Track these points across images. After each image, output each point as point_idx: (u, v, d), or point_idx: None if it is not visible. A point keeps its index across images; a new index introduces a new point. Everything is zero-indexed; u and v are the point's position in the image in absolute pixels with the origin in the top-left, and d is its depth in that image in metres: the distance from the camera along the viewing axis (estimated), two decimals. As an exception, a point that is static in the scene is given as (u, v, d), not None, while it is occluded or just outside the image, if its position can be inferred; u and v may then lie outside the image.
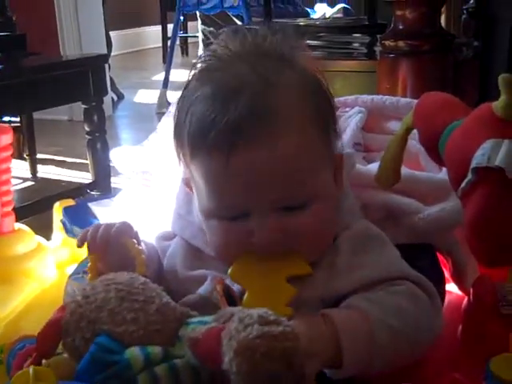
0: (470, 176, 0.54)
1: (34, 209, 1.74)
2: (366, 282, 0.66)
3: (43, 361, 0.60)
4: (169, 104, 3.37)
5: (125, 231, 0.72)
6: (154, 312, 0.59)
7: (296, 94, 0.67)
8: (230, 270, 0.67)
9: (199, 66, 0.71)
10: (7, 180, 0.99)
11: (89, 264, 0.72)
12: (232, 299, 0.63)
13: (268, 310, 0.54)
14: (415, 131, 0.72)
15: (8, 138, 0.97)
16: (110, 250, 0.71)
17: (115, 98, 3.74)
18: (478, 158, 0.53)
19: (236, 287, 0.67)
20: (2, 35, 2.12)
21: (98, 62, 1.89)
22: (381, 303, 0.64)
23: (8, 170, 0.99)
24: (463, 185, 0.55)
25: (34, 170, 2.44)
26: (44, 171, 2.49)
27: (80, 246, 0.73)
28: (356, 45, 2.18)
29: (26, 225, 1.07)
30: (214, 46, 0.71)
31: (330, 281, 0.67)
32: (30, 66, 1.87)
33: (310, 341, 0.57)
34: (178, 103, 0.71)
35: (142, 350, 0.56)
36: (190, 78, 0.72)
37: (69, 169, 2.50)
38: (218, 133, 0.64)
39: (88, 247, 0.72)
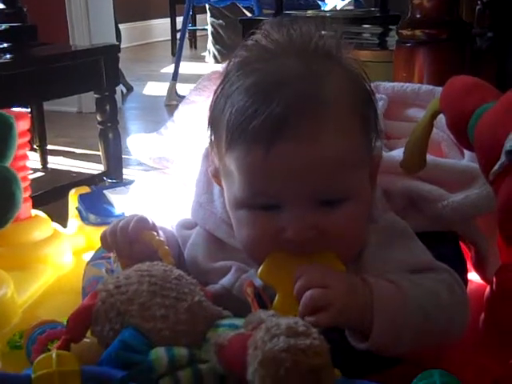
0: (503, 159, 0.54)
1: (45, 199, 1.74)
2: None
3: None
4: (178, 96, 3.38)
5: (142, 226, 0.71)
6: (184, 310, 0.57)
7: (342, 92, 0.66)
8: (259, 270, 0.65)
9: (241, 54, 0.69)
10: (24, 166, 0.99)
11: (115, 264, 0.71)
12: (262, 301, 0.61)
13: (299, 320, 0.51)
14: (436, 119, 0.72)
15: (25, 124, 0.97)
16: (133, 247, 0.70)
17: (124, 91, 3.73)
18: (513, 140, 0.53)
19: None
20: (13, 26, 2.12)
21: (111, 52, 1.88)
22: (420, 285, 0.64)
23: (25, 157, 0.99)
24: (496, 167, 0.54)
25: (44, 161, 2.44)
26: (54, 162, 2.49)
27: (107, 249, 0.73)
28: (367, 35, 2.17)
29: (38, 215, 1.07)
30: (257, 35, 0.69)
31: (356, 273, 0.66)
32: (42, 56, 1.87)
33: (343, 291, 0.59)
34: (216, 92, 0.69)
35: (168, 352, 0.54)
36: (230, 66, 0.70)
37: (79, 160, 2.50)
38: (259, 124, 0.62)
39: (111, 248, 0.72)
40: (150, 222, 0.72)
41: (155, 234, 0.71)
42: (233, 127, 0.64)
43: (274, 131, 0.62)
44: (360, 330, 0.61)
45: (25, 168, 1.00)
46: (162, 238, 0.71)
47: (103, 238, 0.72)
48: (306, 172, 0.62)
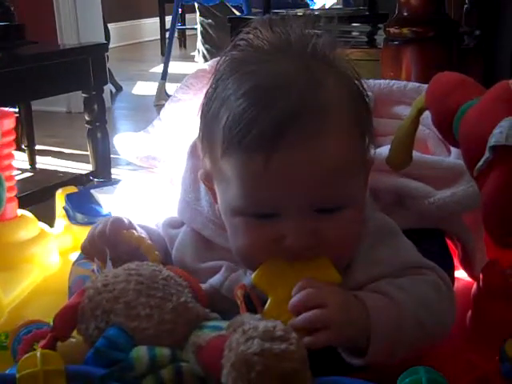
0: (487, 154, 0.54)
1: (32, 199, 1.73)
2: (383, 275, 0.66)
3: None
4: (167, 96, 3.36)
5: (118, 227, 0.70)
6: (169, 310, 0.57)
7: (340, 98, 0.64)
8: (253, 275, 0.64)
9: (232, 54, 0.67)
10: (9, 165, 0.98)
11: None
12: (252, 305, 0.61)
13: (279, 324, 0.51)
14: (423, 117, 0.72)
15: (10, 123, 0.96)
16: (117, 249, 0.70)
17: (113, 90, 3.72)
18: (496, 135, 0.53)
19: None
20: (1, 25, 2.11)
21: (98, 51, 1.88)
22: (409, 291, 0.64)
23: (10, 156, 0.98)
24: (480, 163, 0.54)
25: (32, 161, 2.42)
26: (42, 162, 2.47)
27: (90, 259, 0.72)
28: (356, 33, 2.18)
29: (26, 215, 1.06)
30: (248, 35, 0.67)
31: (347, 276, 0.66)
32: (29, 54, 1.86)
33: (341, 311, 0.58)
34: (207, 93, 0.68)
35: (149, 351, 0.54)
36: (220, 66, 0.68)
37: (67, 160, 2.49)
38: (258, 133, 0.60)
39: (94, 256, 0.71)
40: (126, 221, 0.72)
41: (133, 231, 0.70)
42: (230, 134, 0.62)
43: (274, 140, 0.60)
44: (355, 346, 0.61)
45: (10, 167, 0.99)
46: (142, 235, 0.71)
47: (85, 250, 0.72)
48: (307, 181, 0.61)
